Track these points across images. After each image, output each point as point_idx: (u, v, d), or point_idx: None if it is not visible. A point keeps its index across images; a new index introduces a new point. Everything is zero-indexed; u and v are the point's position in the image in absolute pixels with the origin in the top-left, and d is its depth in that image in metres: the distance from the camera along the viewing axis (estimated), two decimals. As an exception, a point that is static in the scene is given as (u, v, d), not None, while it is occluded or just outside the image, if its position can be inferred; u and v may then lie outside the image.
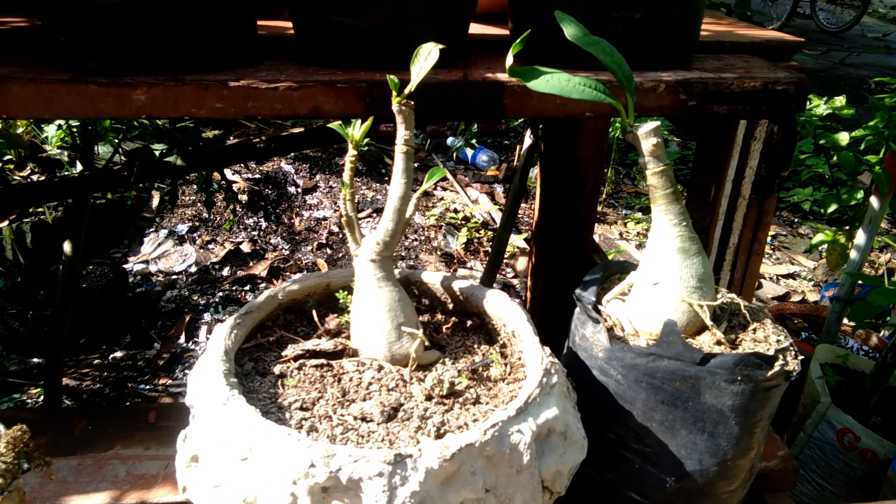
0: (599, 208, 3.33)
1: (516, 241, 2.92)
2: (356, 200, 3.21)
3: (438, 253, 2.91)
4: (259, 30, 0.98)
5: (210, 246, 2.84)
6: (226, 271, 2.70)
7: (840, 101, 2.43)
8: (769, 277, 2.85)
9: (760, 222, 1.08)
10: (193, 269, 2.70)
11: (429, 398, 0.73)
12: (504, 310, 0.86)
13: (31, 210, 2.42)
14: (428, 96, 0.87)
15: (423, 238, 3.01)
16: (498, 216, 3.14)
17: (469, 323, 0.91)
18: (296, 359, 0.79)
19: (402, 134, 0.75)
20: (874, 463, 1.44)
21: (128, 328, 2.33)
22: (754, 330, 0.86)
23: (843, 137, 1.75)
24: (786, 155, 1.02)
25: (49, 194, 1.60)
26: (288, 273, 2.71)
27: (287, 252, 2.85)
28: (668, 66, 0.95)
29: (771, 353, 0.80)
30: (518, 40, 0.73)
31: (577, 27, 0.74)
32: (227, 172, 3.10)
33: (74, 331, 2.18)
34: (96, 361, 2.19)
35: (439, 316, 0.92)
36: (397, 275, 0.91)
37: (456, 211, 3.21)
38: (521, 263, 2.84)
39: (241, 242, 2.86)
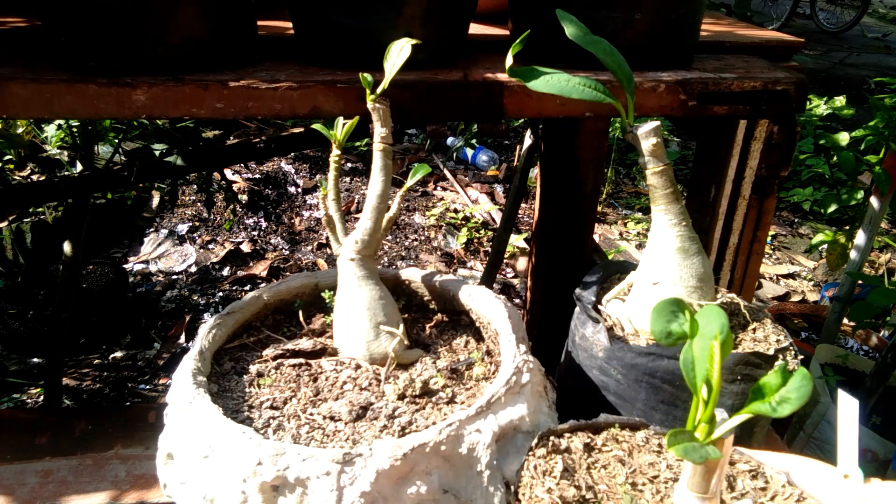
0: (599, 208, 3.33)
1: (516, 241, 2.92)
2: (355, 200, 3.21)
3: (438, 253, 2.91)
4: (259, 30, 0.98)
5: (210, 246, 2.84)
6: (226, 271, 2.70)
7: (840, 101, 2.43)
8: (769, 277, 2.85)
9: (760, 222, 1.08)
10: (193, 269, 2.70)
11: (402, 397, 0.72)
12: (488, 308, 0.85)
13: (31, 210, 2.42)
14: (428, 96, 0.87)
15: (423, 238, 3.01)
16: (498, 216, 3.14)
17: (457, 321, 0.90)
18: (275, 358, 0.79)
19: (378, 131, 0.75)
20: (874, 463, 1.44)
21: (128, 328, 2.33)
22: (754, 330, 0.86)
23: (843, 137, 1.75)
24: (786, 155, 1.02)
25: (49, 194, 1.60)
26: (288, 273, 2.71)
27: (287, 252, 2.85)
28: (668, 66, 0.95)
29: (771, 352, 0.80)
30: (518, 40, 0.73)
31: (577, 26, 0.74)
32: (227, 172, 3.11)
33: (74, 331, 2.18)
34: (96, 361, 2.19)
35: (427, 314, 0.92)
36: (388, 274, 0.91)
37: (456, 211, 3.21)
38: (521, 263, 2.84)
39: (241, 242, 2.86)
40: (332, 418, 0.69)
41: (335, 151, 0.80)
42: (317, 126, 0.81)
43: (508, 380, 0.69)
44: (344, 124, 0.80)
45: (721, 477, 0.49)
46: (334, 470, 0.58)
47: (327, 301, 0.85)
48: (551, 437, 0.67)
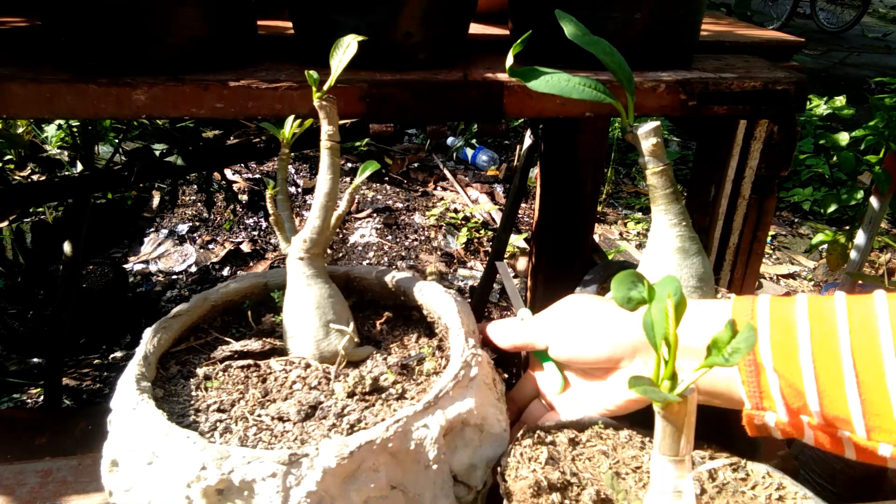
0: (599, 208, 3.33)
1: (516, 241, 2.92)
2: (356, 200, 3.21)
3: (438, 253, 2.91)
4: (259, 30, 0.98)
5: (210, 246, 2.84)
6: (226, 271, 2.70)
7: (840, 101, 2.43)
8: (769, 277, 2.85)
9: (760, 222, 1.08)
10: (193, 269, 2.70)
11: (351, 395, 0.71)
12: (438, 303, 0.84)
13: (31, 210, 2.42)
14: (428, 96, 0.88)
15: (423, 238, 3.01)
16: (498, 216, 3.14)
17: (409, 317, 0.89)
18: (222, 360, 0.77)
19: (325, 129, 0.74)
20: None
21: (128, 328, 2.33)
22: (754, 330, 0.86)
23: (843, 137, 1.75)
24: (786, 155, 1.02)
25: (49, 194, 1.61)
26: (288, 273, 2.71)
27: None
28: (668, 66, 0.95)
29: (771, 353, 0.80)
30: (518, 40, 0.73)
31: (577, 27, 0.74)
32: (227, 172, 3.11)
33: (74, 331, 2.18)
34: (96, 361, 2.19)
35: (379, 311, 0.90)
36: (339, 272, 0.90)
37: (456, 211, 3.21)
38: (521, 263, 2.84)
39: (241, 242, 2.86)
40: (280, 419, 0.68)
41: (283, 150, 0.79)
42: (265, 124, 0.80)
43: (457, 374, 0.69)
44: (294, 123, 0.79)
45: (689, 439, 0.52)
46: (280, 471, 0.57)
47: (277, 301, 0.84)
48: (537, 431, 0.69)
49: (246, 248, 2.83)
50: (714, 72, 0.94)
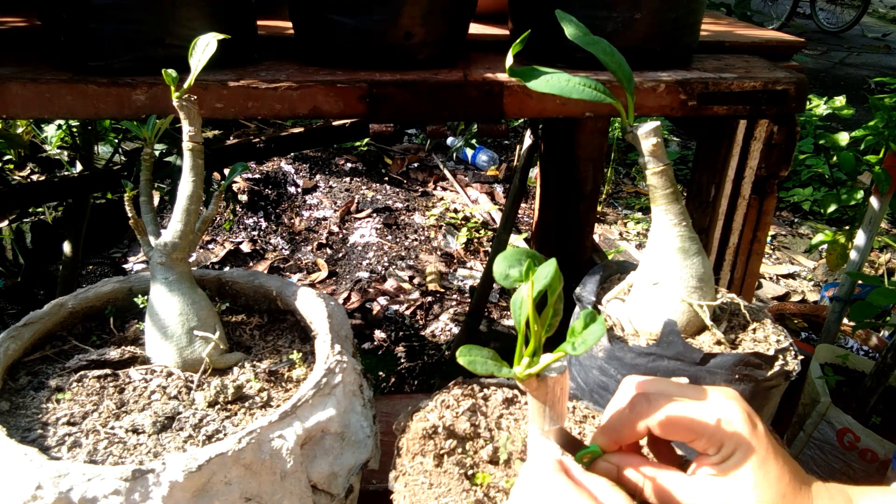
0: (599, 208, 3.33)
1: (516, 241, 2.92)
2: (355, 200, 3.21)
3: (438, 253, 2.91)
4: (259, 30, 0.98)
5: (210, 246, 2.84)
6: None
7: (840, 101, 2.43)
8: (769, 277, 2.85)
9: (760, 222, 1.08)
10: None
11: (213, 405, 0.69)
12: (309, 307, 0.82)
13: (31, 210, 2.42)
14: (428, 96, 0.88)
15: (423, 238, 3.01)
16: (498, 216, 3.14)
17: (283, 322, 0.88)
18: (78, 370, 0.74)
19: (186, 130, 0.72)
20: (874, 463, 1.43)
21: (128, 328, 2.33)
22: (754, 330, 0.86)
23: (843, 137, 1.75)
24: (786, 155, 1.02)
25: (49, 194, 1.61)
26: (288, 273, 2.71)
27: (287, 252, 2.85)
28: (668, 66, 0.95)
29: (771, 353, 0.80)
30: (518, 40, 0.73)
31: (577, 27, 0.74)
32: (227, 172, 3.10)
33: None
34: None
35: (252, 316, 0.88)
36: (210, 276, 0.88)
37: (456, 211, 3.21)
38: (521, 263, 2.84)
39: (241, 242, 2.86)
40: (135, 431, 0.65)
41: (146, 150, 0.77)
42: (127, 124, 0.78)
43: (318, 382, 0.68)
44: (157, 122, 0.77)
45: (555, 416, 0.54)
46: (123, 488, 0.55)
47: (141, 306, 0.81)
48: (473, 385, 0.71)
49: (246, 248, 2.83)
50: (714, 72, 0.94)
